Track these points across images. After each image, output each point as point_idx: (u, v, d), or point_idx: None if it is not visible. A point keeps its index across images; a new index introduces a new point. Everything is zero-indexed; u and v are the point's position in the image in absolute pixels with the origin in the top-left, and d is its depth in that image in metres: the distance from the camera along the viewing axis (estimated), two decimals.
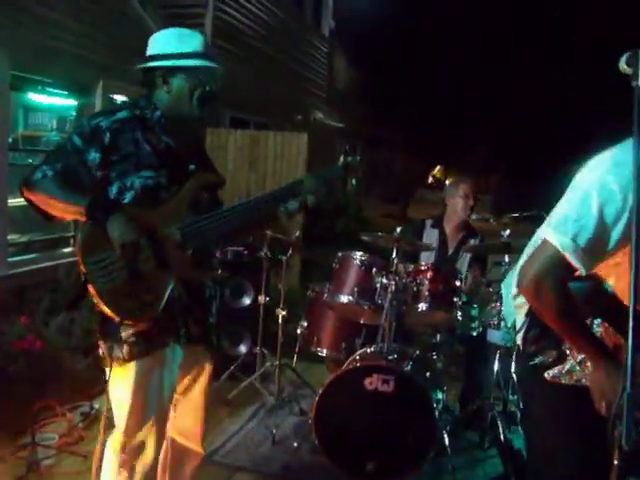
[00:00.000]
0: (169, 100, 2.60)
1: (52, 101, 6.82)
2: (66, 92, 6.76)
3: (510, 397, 4.60)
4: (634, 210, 1.71)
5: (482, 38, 25.84)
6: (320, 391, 3.78)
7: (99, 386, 4.72)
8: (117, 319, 2.38)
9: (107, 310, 2.36)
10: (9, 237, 5.87)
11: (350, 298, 4.09)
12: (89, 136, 2.45)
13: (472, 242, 4.81)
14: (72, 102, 7.19)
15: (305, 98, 13.18)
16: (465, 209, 4.76)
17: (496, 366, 4.34)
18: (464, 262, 4.76)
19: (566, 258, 2.05)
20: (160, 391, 2.56)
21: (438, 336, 4.54)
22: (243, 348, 5.32)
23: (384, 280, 4.03)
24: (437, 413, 3.75)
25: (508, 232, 4.25)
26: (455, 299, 4.10)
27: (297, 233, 4.77)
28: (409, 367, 3.84)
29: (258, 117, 10.77)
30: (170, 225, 2.47)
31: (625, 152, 1.97)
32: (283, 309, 4.74)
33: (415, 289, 4.07)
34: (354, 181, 2.94)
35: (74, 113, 7.59)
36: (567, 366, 2.27)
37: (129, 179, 2.46)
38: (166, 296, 2.45)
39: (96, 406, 4.39)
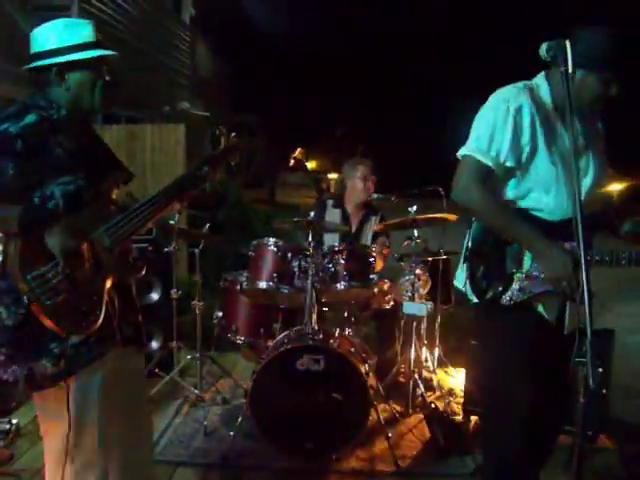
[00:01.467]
0: (69, 97, 2.48)
1: None
2: None
3: (425, 363, 4.85)
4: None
5: (342, 20, 26.30)
6: (254, 375, 3.84)
7: (12, 401, 4.60)
8: (63, 334, 2.31)
9: (52, 326, 2.28)
10: None
11: (270, 284, 4.16)
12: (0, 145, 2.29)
13: (373, 219, 4.99)
14: None
15: (171, 89, 13.01)
16: (364, 190, 4.92)
17: (413, 335, 4.55)
18: (367, 239, 4.94)
19: (480, 160, 2.54)
20: (102, 397, 2.49)
21: (353, 313, 4.72)
22: (155, 344, 5.27)
23: (302, 263, 4.13)
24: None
25: (415, 208, 4.44)
26: (370, 276, 4.25)
27: (207, 225, 4.76)
28: (336, 345, 3.96)
29: (129, 111, 10.55)
30: (96, 227, 2.42)
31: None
32: (199, 301, 4.75)
33: (333, 269, 4.19)
34: (234, 165, 2.97)
35: None
36: (516, 285, 2.57)
37: (49, 187, 2.34)
38: (104, 302, 2.43)
39: (14, 421, 4.25)
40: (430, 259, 4.78)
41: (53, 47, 2.43)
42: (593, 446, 4.00)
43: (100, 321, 2.37)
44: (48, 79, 2.45)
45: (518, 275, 2.61)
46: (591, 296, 2.37)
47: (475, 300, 2.73)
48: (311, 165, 49.66)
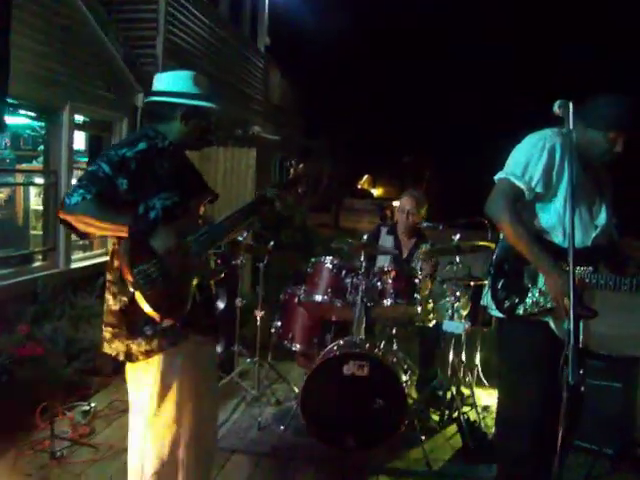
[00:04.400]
0: (180, 134, 3.07)
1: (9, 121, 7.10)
2: (34, 113, 7.14)
3: (463, 380, 5.26)
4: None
5: (407, 53, 26.87)
6: (305, 377, 4.33)
7: (91, 388, 5.21)
8: (158, 318, 2.88)
9: (150, 311, 2.85)
10: None
11: (325, 297, 4.67)
12: (117, 165, 2.84)
13: (424, 247, 5.45)
14: (26, 121, 7.56)
15: (244, 113, 13.68)
16: (405, 221, 5.49)
17: (451, 352, 4.99)
18: (417, 263, 5.40)
19: (514, 183, 3.01)
20: (182, 375, 3.07)
21: (395, 329, 5.19)
22: (218, 348, 5.80)
23: (354, 280, 4.63)
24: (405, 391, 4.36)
25: (458, 236, 4.90)
26: (415, 295, 4.72)
27: (271, 242, 5.30)
28: (379, 354, 4.43)
29: None
30: (187, 236, 2.98)
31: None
32: (261, 310, 5.28)
33: (381, 287, 4.67)
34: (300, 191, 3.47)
35: (28, 131, 7.97)
36: (530, 297, 3.06)
37: (151, 200, 2.91)
38: (191, 296, 2.98)
39: (93, 404, 4.84)
40: (472, 284, 5.20)
41: (179, 90, 3.03)
42: (614, 465, 4.38)
43: (186, 310, 2.92)
44: (167, 114, 3.04)
45: (533, 290, 3.08)
46: (594, 314, 2.87)
47: (494, 311, 3.20)
48: (377, 192, 50.35)
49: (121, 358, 2.99)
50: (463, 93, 28.22)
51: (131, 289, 2.81)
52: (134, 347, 2.94)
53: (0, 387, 4.41)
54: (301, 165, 3.30)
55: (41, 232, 7.54)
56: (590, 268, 2.97)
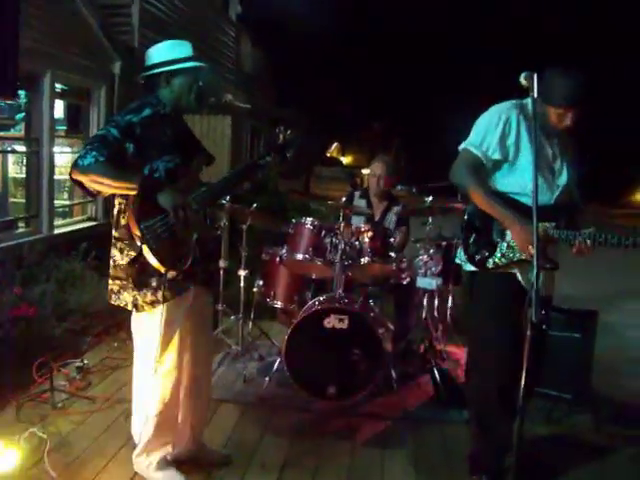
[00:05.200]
0: (172, 97, 3.34)
1: None
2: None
3: (434, 334, 5.60)
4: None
5: (378, 18, 26.97)
6: (289, 330, 4.62)
7: (82, 347, 5.46)
8: (163, 269, 3.15)
9: (156, 264, 3.11)
10: None
11: (306, 256, 4.94)
12: (124, 130, 3.10)
13: (396, 208, 5.75)
14: None
15: (216, 81, 13.80)
16: (377, 185, 5.76)
17: (424, 307, 5.31)
18: (391, 224, 5.70)
19: (473, 152, 3.38)
20: (183, 324, 3.36)
21: (371, 287, 5.49)
22: None
23: (333, 239, 4.91)
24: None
25: (431, 198, 5.21)
26: (390, 253, 5.02)
27: (254, 205, 5.54)
28: (358, 308, 4.73)
29: None
30: (188, 195, 3.25)
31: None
32: (244, 270, 5.55)
33: (358, 246, 4.97)
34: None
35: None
36: (499, 251, 3.39)
37: (155, 163, 3.18)
38: (192, 250, 3.25)
39: (86, 361, 5.09)
40: (444, 243, 5.51)
41: (162, 60, 3.30)
42: (573, 408, 4.75)
43: (188, 264, 3.18)
44: (158, 83, 3.32)
45: (501, 245, 3.40)
46: (555, 266, 3.21)
47: (467, 264, 3.52)
48: (347, 160, 50.54)
49: (129, 308, 3.26)
50: (432, 60, 28.45)
51: (138, 243, 3.07)
52: (140, 298, 3.22)
53: None
54: (289, 131, 3.56)
55: (21, 200, 7.72)
56: (552, 224, 3.29)
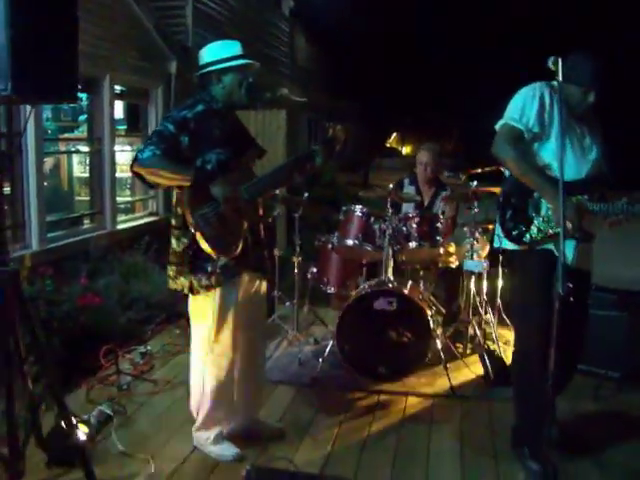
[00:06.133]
0: (224, 93, 3.56)
1: None
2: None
3: (484, 316, 5.70)
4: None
5: (436, 9, 26.90)
6: (340, 313, 4.80)
7: (145, 335, 5.75)
8: (215, 254, 3.37)
9: (208, 248, 3.33)
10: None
11: (356, 242, 5.13)
12: (180, 125, 3.36)
13: (443, 193, 5.87)
14: None
15: (271, 76, 14.06)
16: (423, 172, 5.90)
17: (472, 288, 5.44)
18: (438, 209, 5.83)
19: (514, 126, 3.50)
20: (236, 307, 3.58)
21: (422, 272, 5.63)
22: None
23: (382, 225, 5.07)
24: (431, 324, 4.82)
25: (475, 183, 5.33)
26: (437, 238, 5.16)
27: (305, 194, 5.74)
28: (406, 291, 4.89)
29: None
30: (239, 185, 3.46)
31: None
32: (298, 257, 5.75)
33: (406, 231, 5.12)
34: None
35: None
36: (535, 226, 3.52)
37: (208, 155, 3.41)
38: (242, 237, 3.46)
39: (149, 347, 5.38)
40: (490, 227, 5.61)
41: (213, 59, 3.51)
42: (621, 386, 4.81)
43: (239, 250, 3.41)
44: (210, 81, 3.54)
45: (537, 219, 3.54)
46: (591, 238, 3.35)
47: (505, 241, 3.65)
48: (406, 150, 50.34)
49: (185, 292, 3.51)
50: (487, 51, 28.19)
51: (192, 230, 3.30)
52: (196, 282, 3.46)
53: (66, 332, 4.91)
54: (339, 126, 3.74)
55: (85, 197, 8.09)
56: (586, 197, 3.43)
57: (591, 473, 3.74)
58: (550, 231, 3.50)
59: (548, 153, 3.54)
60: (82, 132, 8.23)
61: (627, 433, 4.23)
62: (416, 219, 5.13)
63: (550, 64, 3.03)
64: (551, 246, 3.53)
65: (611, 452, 3.97)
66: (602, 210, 3.38)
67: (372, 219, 5.17)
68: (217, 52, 3.55)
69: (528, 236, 3.57)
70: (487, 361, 5.04)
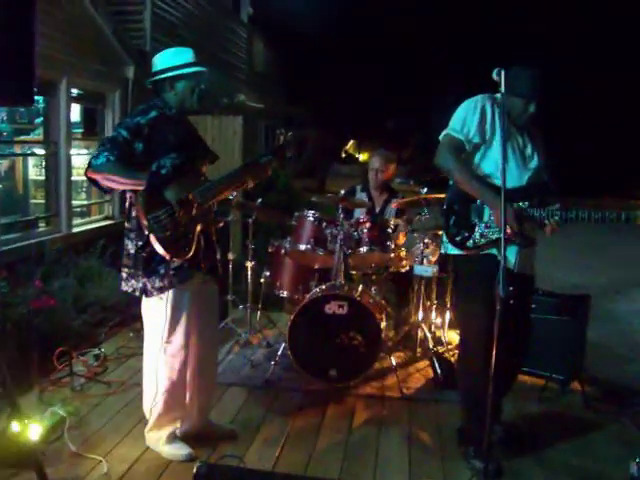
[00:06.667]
0: (176, 100, 3.65)
1: None
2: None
3: (434, 320, 5.85)
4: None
5: (391, 17, 27.16)
6: (292, 316, 4.90)
7: (99, 338, 5.77)
8: (168, 257, 3.44)
9: (162, 251, 3.40)
10: None
11: (308, 246, 5.21)
12: (133, 131, 3.42)
13: (394, 200, 6.01)
14: None
15: (229, 82, 14.11)
16: (374, 178, 6.06)
17: (422, 294, 5.58)
18: (390, 215, 5.96)
19: (454, 137, 3.69)
20: (189, 309, 3.66)
21: (373, 276, 5.75)
22: None
23: (334, 231, 5.18)
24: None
25: (426, 190, 5.47)
26: (388, 243, 5.28)
27: (259, 200, 5.82)
28: (357, 295, 5.00)
29: None
30: (193, 189, 3.54)
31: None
32: (251, 261, 5.84)
33: (357, 237, 5.24)
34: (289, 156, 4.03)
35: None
36: (478, 231, 3.69)
37: (162, 160, 3.48)
38: (195, 240, 3.54)
39: (103, 350, 5.41)
40: (440, 232, 5.75)
41: (165, 66, 3.60)
42: (564, 388, 4.99)
43: (192, 252, 3.49)
44: (163, 88, 3.62)
45: (479, 225, 3.70)
46: (533, 243, 3.51)
47: (450, 248, 3.79)
48: (363, 157, 50.57)
49: (137, 294, 3.57)
50: (444, 59, 28.58)
51: (146, 232, 3.37)
52: (149, 284, 3.53)
53: (20, 334, 4.92)
54: (290, 133, 3.85)
55: (41, 200, 8.06)
56: (526, 203, 3.61)
57: (534, 470, 3.89)
58: (493, 236, 3.65)
59: (490, 162, 3.71)
60: (38, 135, 8.19)
61: (569, 432, 4.40)
62: (367, 224, 5.25)
63: (494, 75, 3.18)
64: (494, 251, 3.68)
65: (553, 450, 4.14)
66: (542, 216, 3.54)
67: (324, 224, 5.27)
68: (169, 59, 3.63)
69: (471, 241, 3.73)
70: (436, 364, 5.18)
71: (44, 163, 7.99)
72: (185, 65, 3.61)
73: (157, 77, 3.64)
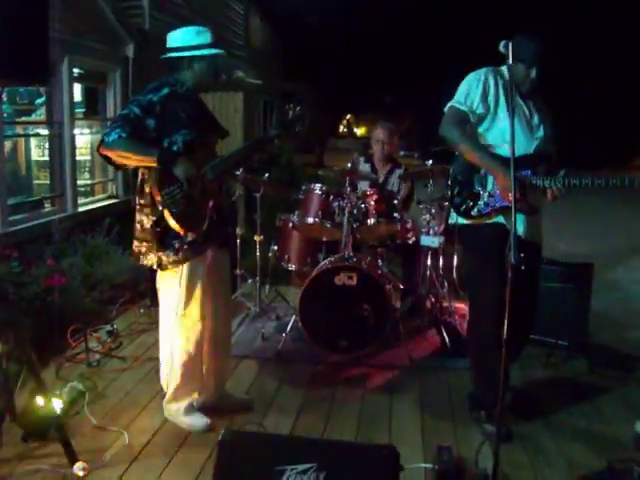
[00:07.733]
0: (193, 79, 3.69)
1: None
2: None
3: (440, 290, 5.93)
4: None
5: None
6: (302, 288, 4.97)
7: (110, 314, 5.85)
8: (182, 231, 3.51)
9: (176, 226, 3.47)
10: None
11: (315, 219, 5.28)
12: (145, 108, 3.47)
13: (398, 172, 6.08)
14: None
15: (228, 59, 14.08)
16: (380, 150, 6.11)
17: (429, 262, 5.66)
18: (394, 186, 6.03)
19: (459, 108, 3.77)
20: (203, 282, 3.73)
21: (380, 248, 5.83)
22: None
23: (341, 203, 5.24)
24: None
25: (431, 162, 5.53)
26: (394, 214, 5.35)
27: (266, 174, 5.88)
28: (365, 266, 5.07)
29: None
30: (204, 165, 3.61)
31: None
32: (259, 236, 5.90)
33: (364, 209, 5.30)
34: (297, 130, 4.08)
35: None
36: (482, 200, 3.76)
37: (174, 136, 3.53)
38: (208, 214, 3.61)
39: (115, 326, 5.48)
40: (446, 204, 5.82)
41: (186, 44, 3.64)
42: (568, 355, 5.08)
43: (205, 227, 3.55)
44: (180, 65, 3.66)
45: (483, 194, 3.79)
46: (535, 210, 3.56)
47: (458, 218, 3.87)
48: (360, 131, 50.66)
49: (154, 267, 3.64)
50: (443, 33, 28.50)
51: (160, 208, 3.43)
52: (164, 258, 3.60)
53: (34, 312, 4.99)
54: (299, 107, 3.90)
55: (44, 181, 8.10)
56: (529, 172, 3.67)
57: (542, 433, 3.99)
58: (497, 205, 3.72)
59: (496, 132, 3.78)
60: (40, 115, 8.20)
61: (575, 397, 4.50)
62: (374, 196, 5.31)
63: (501, 47, 3.22)
64: (501, 219, 3.75)
65: (561, 414, 4.24)
66: (546, 183, 3.60)
67: (331, 197, 5.32)
68: (190, 38, 3.66)
69: (476, 210, 3.81)
70: (444, 333, 5.27)
71: (47, 144, 8.01)
72: (205, 46, 3.66)
73: (175, 54, 3.67)
